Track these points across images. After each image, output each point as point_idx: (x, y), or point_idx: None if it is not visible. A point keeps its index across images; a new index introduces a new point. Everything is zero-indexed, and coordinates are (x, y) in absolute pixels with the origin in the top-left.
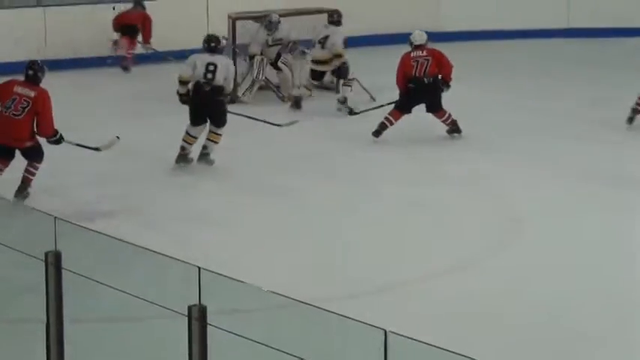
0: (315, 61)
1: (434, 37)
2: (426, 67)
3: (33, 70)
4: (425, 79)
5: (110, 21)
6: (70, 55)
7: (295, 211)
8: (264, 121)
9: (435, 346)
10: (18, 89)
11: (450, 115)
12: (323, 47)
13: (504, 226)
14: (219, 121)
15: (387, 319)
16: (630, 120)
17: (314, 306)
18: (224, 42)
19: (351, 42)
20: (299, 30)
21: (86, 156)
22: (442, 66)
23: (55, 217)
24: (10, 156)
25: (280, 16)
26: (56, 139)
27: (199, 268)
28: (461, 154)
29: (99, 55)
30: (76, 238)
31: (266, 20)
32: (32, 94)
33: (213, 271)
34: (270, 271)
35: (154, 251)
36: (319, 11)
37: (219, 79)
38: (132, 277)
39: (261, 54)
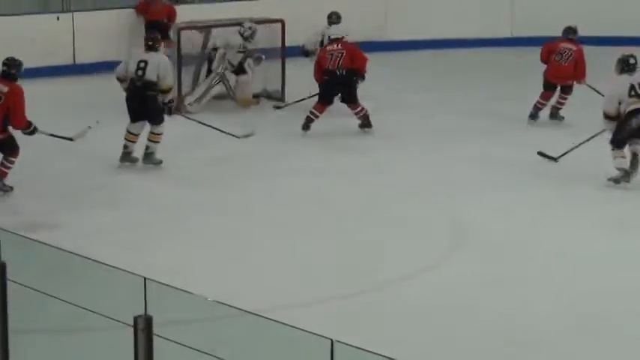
0: None
1: (381, 46)
2: (340, 60)
3: (7, 66)
4: (337, 72)
5: None
6: None
7: (241, 217)
8: (223, 131)
9: (382, 356)
10: None
11: (363, 109)
12: None
13: (449, 234)
14: (155, 118)
15: (335, 328)
16: (532, 117)
17: (260, 316)
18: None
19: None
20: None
21: (32, 165)
22: (355, 59)
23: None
24: None
25: (227, 25)
26: (30, 130)
27: (145, 279)
28: (402, 158)
29: None
30: (20, 248)
31: (245, 28)
32: (5, 89)
33: (158, 282)
34: (218, 280)
35: (100, 262)
36: (265, 21)
37: (149, 76)
38: (77, 287)
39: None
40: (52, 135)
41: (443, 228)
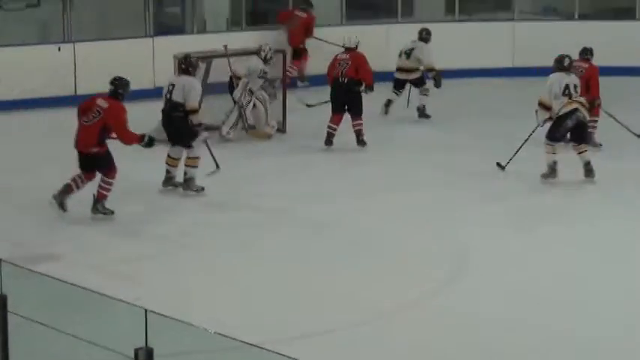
0: (400, 70)
1: (383, 76)
2: (344, 69)
3: (114, 86)
4: (340, 79)
5: None
6: None
7: (241, 249)
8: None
9: None
10: (97, 101)
11: (360, 125)
12: (408, 58)
13: (449, 262)
14: (182, 141)
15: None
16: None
17: (262, 348)
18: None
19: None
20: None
21: (31, 199)
22: (359, 69)
23: (1, 260)
24: (91, 169)
25: (225, 56)
26: (145, 142)
27: (146, 310)
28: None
29: None
30: (22, 280)
31: (264, 50)
32: (105, 105)
33: (160, 313)
34: (219, 312)
35: (101, 293)
36: (251, 52)
37: (176, 97)
38: (78, 319)
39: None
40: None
41: (443, 253)
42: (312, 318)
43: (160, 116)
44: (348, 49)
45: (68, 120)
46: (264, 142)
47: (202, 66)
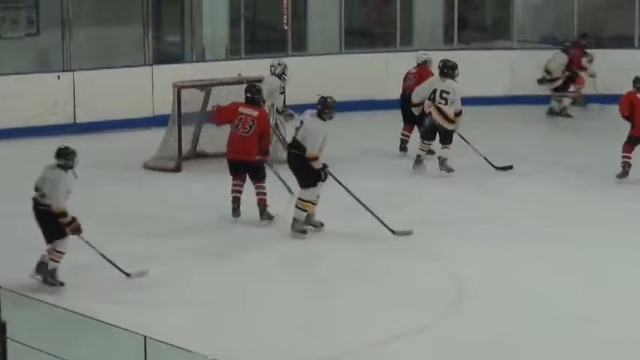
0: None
1: (382, 104)
2: (411, 83)
3: (250, 93)
4: (406, 92)
5: None
6: None
7: (241, 275)
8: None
9: None
10: (242, 110)
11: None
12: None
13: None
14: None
15: None
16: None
17: None
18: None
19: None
20: None
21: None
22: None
23: (0, 287)
24: (243, 174)
25: (226, 84)
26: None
27: (145, 337)
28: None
29: None
30: (21, 308)
31: (276, 66)
32: (255, 113)
33: (159, 340)
34: (217, 339)
35: (100, 320)
36: (260, 80)
37: (300, 138)
38: (78, 346)
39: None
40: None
41: (441, 284)
42: (317, 343)
43: None
44: (418, 65)
45: None
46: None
47: (201, 94)
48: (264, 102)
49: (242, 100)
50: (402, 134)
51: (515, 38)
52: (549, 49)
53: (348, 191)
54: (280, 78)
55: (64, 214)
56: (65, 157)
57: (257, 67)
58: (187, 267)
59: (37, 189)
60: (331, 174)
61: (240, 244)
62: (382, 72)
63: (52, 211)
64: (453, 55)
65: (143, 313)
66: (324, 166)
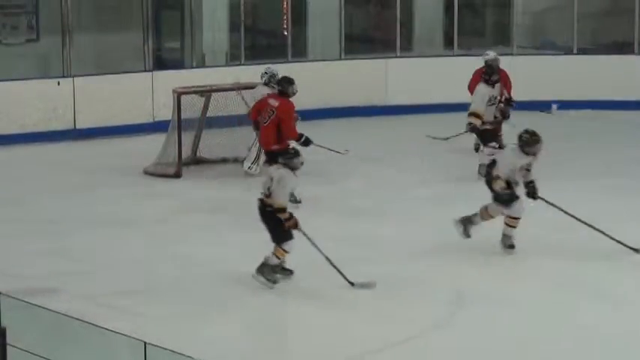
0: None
1: (382, 110)
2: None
3: (279, 84)
4: None
5: None
6: None
7: (240, 281)
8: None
9: None
10: (268, 101)
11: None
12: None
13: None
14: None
15: None
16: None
17: None
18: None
19: (308, 115)
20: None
21: (30, 231)
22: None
23: (0, 293)
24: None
25: (226, 90)
26: (302, 141)
27: (145, 343)
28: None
29: None
30: (21, 313)
31: (267, 75)
32: (276, 104)
33: (159, 346)
34: (217, 344)
35: (100, 326)
36: (253, 87)
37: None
38: (78, 352)
39: None
40: (328, 149)
41: (442, 293)
42: (313, 351)
43: None
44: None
45: (67, 154)
46: None
47: (201, 100)
48: (294, 93)
49: (241, 106)
50: None
51: (515, 44)
52: (549, 54)
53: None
54: (268, 86)
55: (283, 210)
56: (287, 157)
57: (257, 73)
58: (187, 272)
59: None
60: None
61: (241, 249)
62: (382, 78)
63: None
64: (452, 61)
65: (143, 319)
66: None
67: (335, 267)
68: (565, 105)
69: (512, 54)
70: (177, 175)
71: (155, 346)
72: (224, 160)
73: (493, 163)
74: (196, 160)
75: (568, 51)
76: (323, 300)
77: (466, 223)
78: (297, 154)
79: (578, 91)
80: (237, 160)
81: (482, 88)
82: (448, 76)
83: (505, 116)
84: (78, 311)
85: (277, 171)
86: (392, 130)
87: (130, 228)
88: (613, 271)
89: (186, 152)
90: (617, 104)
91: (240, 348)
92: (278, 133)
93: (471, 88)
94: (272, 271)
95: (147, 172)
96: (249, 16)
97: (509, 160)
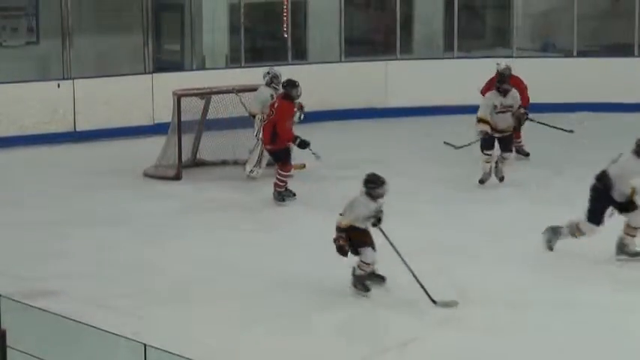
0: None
1: (382, 113)
2: None
3: (284, 88)
4: None
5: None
6: None
7: (242, 282)
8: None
9: None
10: (274, 102)
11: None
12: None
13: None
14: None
15: None
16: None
17: None
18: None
19: (307, 117)
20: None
21: (30, 234)
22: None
23: (0, 295)
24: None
25: (226, 92)
26: (297, 143)
27: (145, 345)
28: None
29: None
30: (21, 315)
31: (269, 76)
32: (277, 104)
33: (159, 348)
34: (217, 347)
35: (100, 328)
36: (254, 89)
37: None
38: (78, 354)
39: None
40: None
41: (442, 293)
42: (314, 353)
43: None
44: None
45: (67, 156)
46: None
47: (201, 102)
48: (298, 96)
49: (240, 108)
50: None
51: (515, 47)
52: (549, 57)
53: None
54: (270, 87)
55: (339, 229)
56: (370, 185)
57: (257, 75)
58: (187, 274)
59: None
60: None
61: (240, 251)
62: (382, 80)
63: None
64: (453, 63)
65: (142, 321)
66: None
67: (420, 283)
68: (565, 107)
69: (512, 56)
70: (177, 177)
71: (155, 348)
72: (224, 163)
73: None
74: (196, 163)
75: (568, 53)
76: (324, 301)
77: (552, 234)
78: (382, 182)
79: (578, 93)
80: (237, 163)
81: (489, 96)
82: (448, 78)
83: (521, 124)
84: (78, 313)
85: (356, 195)
86: (392, 132)
87: (130, 230)
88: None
89: (186, 154)
90: (617, 107)
91: (239, 350)
92: (274, 134)
93: (484, 94)
94: (361, 281)
95: (147, 175)
96: (249, 19)
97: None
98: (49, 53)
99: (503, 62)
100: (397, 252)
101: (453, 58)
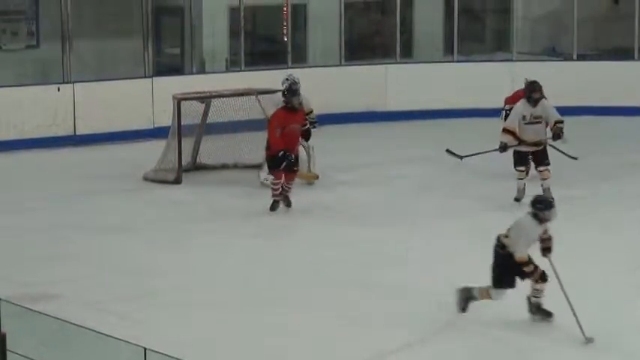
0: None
1: (382, 116)
2: None
3: (283, 94)
4: None
5: None
6: None
7: (240, 286)
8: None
9: None
10: None
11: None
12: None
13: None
14: None
15: None
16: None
17: None
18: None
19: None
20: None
21: (30, 238)
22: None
23: (0, 299)
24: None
25: (226, 96)
26: (279, 155)
27: (145, 349)
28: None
29: None
30: (21, 319)
31: (288, 82)
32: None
33: (159, 352)
34: (216, 351)
35: (100, 333)
36: (266, 92)
37: None
38: (78, 358)
39: None
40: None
41: (441, 298)
42: (315, 356)
43: None
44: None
45: (67, 160)
46: (311, 183)
47: (201, 106)
48: (299, 104)
49: (240, 112)
50: None
51: (515, 50)
52: (549, 60)
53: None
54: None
55: (524, 263)
56: (537, 206)
57: (257, 79)
58: (187, 279)
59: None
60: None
61: (239, 256)
62: (382, 84)
63: (511, 257)
64: (452, 67)
65: (142, 325)
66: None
67: (576, 317)
68: (565, 111)
69: (512, 60)
70: (177, 181)
71: (155, 352)
72: (224, 166)
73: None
74: (196, 166)
75: (568, 57)
76: (324, 307)
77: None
78: (550, 205)
79: (578, 97)
80: (237, 166)
81: (519, 106)
82: (448, 82)
83: (557, 137)
84: (78, 317)
85: (522, 217)
86: (392, 136)
87: (130, 234)
88: None
89: (186, 158)
90: (617, 110)
91: (239, 354)
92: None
93: (507, 100)
94: (539, 307)
95: (147, 179)
96: (249, 23)
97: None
98: (49, 57)
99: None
100: (560, 284)
101: (453, 61)
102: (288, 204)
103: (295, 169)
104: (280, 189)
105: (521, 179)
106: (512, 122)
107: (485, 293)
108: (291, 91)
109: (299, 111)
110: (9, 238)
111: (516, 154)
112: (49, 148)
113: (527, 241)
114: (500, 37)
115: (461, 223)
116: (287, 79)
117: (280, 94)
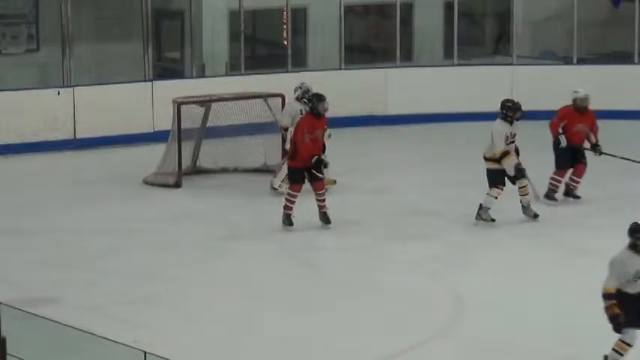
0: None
1: (381, 120)
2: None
3: (309, 100)
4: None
5: None
6: None
7: (240, 292)
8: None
9: None
10: None
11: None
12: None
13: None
14: None
15: None
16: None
17: None
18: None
19: None
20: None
21: (30, 242)
22: None
23: (0, 303)
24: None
25: (226, 100)
26: (314, 161)
27: (145, 353)
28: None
29: None
30: (21, 323)
31: (301, 90)
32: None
33: (159, 356)
34: (217, 354)
35: (100, 336)
36: (266, 95)
37: None
38: None
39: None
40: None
41: (441, 300)
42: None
43: None
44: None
45: (67, 163)
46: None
47: (201, 110)
48: (325, 109)
49: (240, 115)
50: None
51: (515, 54)
52: (549, 64)
53: None
54: (301, 101)
55: (607, 295)
56: (635, 235)
57: (257, 83)
58: (187, 283)
59: None
60: None
61: (241, 259)
62: (382, 88)
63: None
64: (452, 71)
65: (143, 329)
66: None
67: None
68: None
69: (512, 64)
70: (177, 185)
71: (155, 355)
72: (224, 170)
73: None
74: (196, 170)
75: (568, 61)
76: (324, 309)
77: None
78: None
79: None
80: (237, 170)
81: (499, 126)
82: (448, 86)
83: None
84: (78, 321)
85: (622, 251)
86: (392, 139)
87: (130, 238)
88: None
89: (186, 162)
90: (617, 114)
91: (239, 358)
92: (295, 150)
93: (554, 129)
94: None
95: (147, 182)
96: (250, 26)
97: None
98: (49, 61)
99: (582, 91)
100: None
101: (453, 65)
102: (327, 221)
103: (321, 175)
104: (294, 203)
105: (496, 198)
106: (502, 144)
107: (621, 345)
108: (318, 96)
109: (323, 117)
110: (9, 241)
111: (494, 173)
112: (49, 152)
113: (628, 274)
114: (500, 41)
115: (461, 226)
116: (300, 87)
117: (295, 102)
